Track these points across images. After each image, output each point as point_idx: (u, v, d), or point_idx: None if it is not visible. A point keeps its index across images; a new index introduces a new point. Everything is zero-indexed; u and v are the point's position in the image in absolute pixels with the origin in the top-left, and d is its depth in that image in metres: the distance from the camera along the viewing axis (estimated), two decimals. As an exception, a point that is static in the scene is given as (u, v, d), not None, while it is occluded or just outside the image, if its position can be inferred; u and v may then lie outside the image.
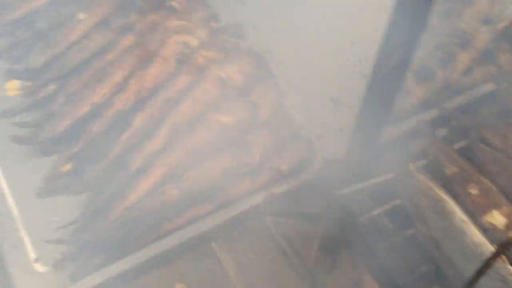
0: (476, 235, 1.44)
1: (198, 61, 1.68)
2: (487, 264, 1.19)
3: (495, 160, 1.67)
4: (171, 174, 1.57)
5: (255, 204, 1.66)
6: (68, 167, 1.63)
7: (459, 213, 1.49)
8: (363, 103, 1.48)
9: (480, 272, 1.22)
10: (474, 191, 1.57)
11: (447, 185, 1.61)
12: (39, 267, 1.48)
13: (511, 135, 1.73)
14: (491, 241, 1.40)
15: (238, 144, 1.63)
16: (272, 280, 2.99)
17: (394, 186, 1.61)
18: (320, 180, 1.74)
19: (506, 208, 1.52)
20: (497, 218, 1.50)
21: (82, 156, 1.64)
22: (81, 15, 1.88)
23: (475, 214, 1.52)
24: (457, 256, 1.42)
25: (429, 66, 1.99)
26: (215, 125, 1.59)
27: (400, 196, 1.58)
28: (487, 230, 1.48)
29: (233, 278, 2.52)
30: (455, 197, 1.56)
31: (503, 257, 1.39)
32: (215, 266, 3.05)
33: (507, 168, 1.63)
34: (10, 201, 1.58)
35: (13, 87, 1.82)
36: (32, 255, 1.50)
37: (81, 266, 1.46)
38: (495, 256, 1.18)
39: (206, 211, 1.60)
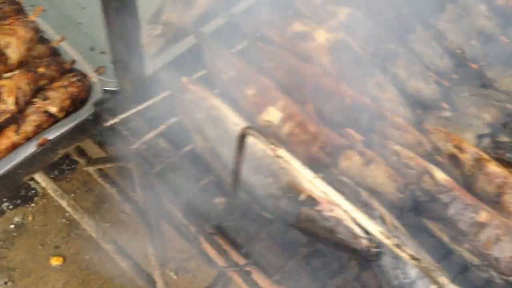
0: (249, 135, 1.38)
1: None
2: (236, 156, 1.14)
3: (272, 55, 1.60)
4: None
5: (28, 157, 1.48)
6: None
7: (232, 117, 1.42)
8: (104, 22, 1.32)
9: (236, 167, 1.17)
10: (251, 91, 1.51)
11: (223, 91, 1.53)
12: None
13: (288, 27, 1.68)
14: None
15: (-17, 92, 1.42)
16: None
17: (169, 104, 1.50)
18: (101, 114, 1.59)
19: (282, 102, 1.47)
20: (273, 114, 1.45)
21: None
22: None
23: (251, 115, 1.46)
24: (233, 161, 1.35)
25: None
26: None
27: (175, 114, 1.48)
28: (263, 129, 1.43)
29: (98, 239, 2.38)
30: (232, 101, 1.49)
31: (277, 153, 1.35)
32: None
33: (284, 62, 1.58)
34: None
35: None
36: None
37: None
38: (239, 149, 1.12)
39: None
